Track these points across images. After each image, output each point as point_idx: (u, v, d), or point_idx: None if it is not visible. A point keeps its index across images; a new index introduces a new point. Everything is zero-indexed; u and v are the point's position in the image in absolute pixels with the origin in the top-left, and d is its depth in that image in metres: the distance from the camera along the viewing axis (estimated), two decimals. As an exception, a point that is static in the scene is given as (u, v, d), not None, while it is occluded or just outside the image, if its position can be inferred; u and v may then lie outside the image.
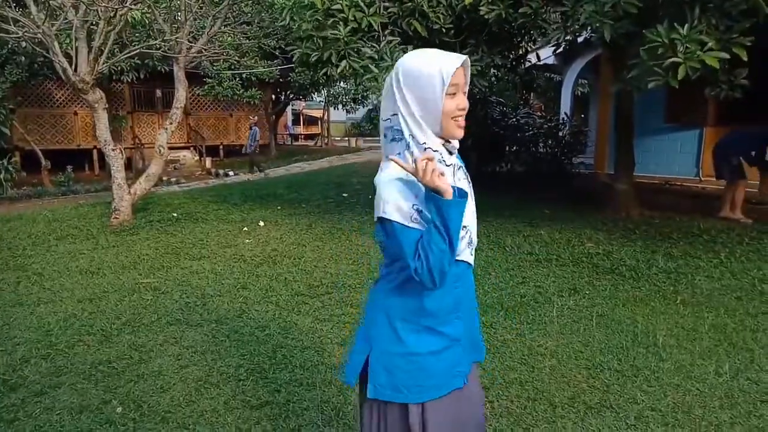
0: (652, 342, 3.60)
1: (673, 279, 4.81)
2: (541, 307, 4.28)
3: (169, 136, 8.21)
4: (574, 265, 5.32)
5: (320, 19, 5.10)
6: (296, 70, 16.30)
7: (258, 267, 5.60)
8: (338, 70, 5.09)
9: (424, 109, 1.47)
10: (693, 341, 3.60)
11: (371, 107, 31.29)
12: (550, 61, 11.04)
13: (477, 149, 9.97)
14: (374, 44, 5.20)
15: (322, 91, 21.68)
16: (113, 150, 7.68)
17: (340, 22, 5.14)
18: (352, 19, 5.13)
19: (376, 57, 5.13)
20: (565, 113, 10.83)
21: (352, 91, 20.70)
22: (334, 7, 5.16)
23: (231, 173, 16.10)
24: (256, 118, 17.00)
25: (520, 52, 8.52)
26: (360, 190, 10.50)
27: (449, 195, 1.42)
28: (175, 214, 8.23)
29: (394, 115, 1.51)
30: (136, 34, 11.13)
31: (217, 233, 7.08)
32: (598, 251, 5.68)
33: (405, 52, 5.21)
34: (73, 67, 7.00)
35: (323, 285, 4.97)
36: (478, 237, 1.68)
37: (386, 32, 5.34)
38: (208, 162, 18.29)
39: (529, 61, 8.93)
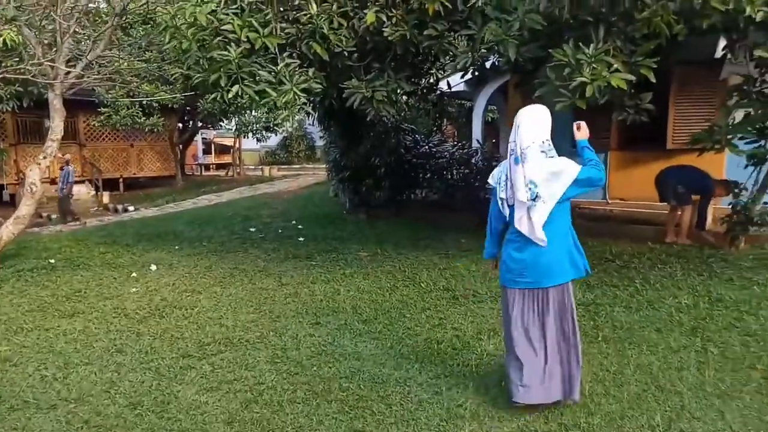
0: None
1: (593, 312, 4.59)
2: (460, 355, 3.88)
3: (42, 172, 7.22)
4: (492, 302, 5.01)
5: (207, 38, 4.55)
6: (206, 97, 15.45)
7: (141, 323, 4.84)
8: (229, 96, 4.55)
9: None
10: (620, 387, 3.32)
11: (286, 135, 30.64)
12: (461, 87, 11.04)
13: (390, 177, 9.66)
14: (272, 67, 4.71)
15: (232, 119, 20.82)
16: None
17: (232, 43, 4.62)
18: (245, 39, 4.62)
19: (274, 80, 4.65)
20: (477, 140, 10.81)
21: (263, 120, 19.97)
22: (224, 27, 4.63)
23: (131, 208, 14.84)
24: (68, 155, 13.61)
25: (431, 80, 8.35)
26: (269, 223, 9.84)
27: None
28: (52, 261, 7.20)
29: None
30: (14, 58, 9.97)
31: (98, 282, 6.19)
32: (516, 284, 5.42)
33: (306, 75, 4.76)
34: None
35: (216, 342, 4.32)
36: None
37: (284, 54, 4.87)
38: (105, 197, 16.83)
39: (440, 90, 8.78)
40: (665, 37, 4.33)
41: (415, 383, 3.48)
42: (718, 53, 6.79)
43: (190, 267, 6.77)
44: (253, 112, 18.79)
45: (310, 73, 4.66)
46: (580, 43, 4.18)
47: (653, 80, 4.41)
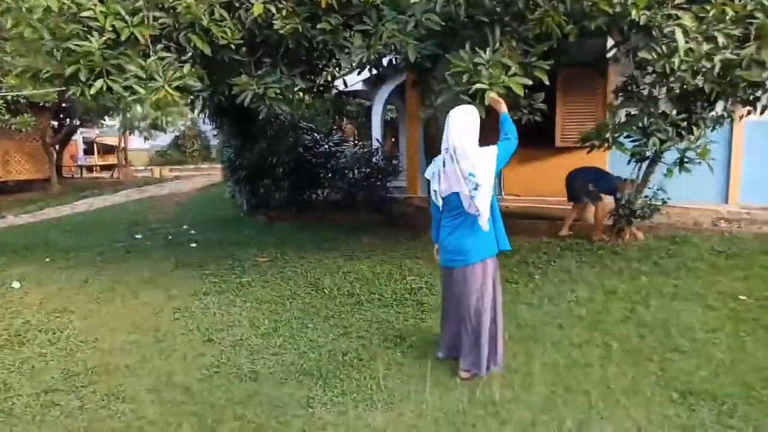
0: (489, 399, 3.17)
1: (497, 311, 4.56)
2: (367, 367, 3.65)
3: None
4: (398, 305, 4.84)
5: (62, 25, 3.93)
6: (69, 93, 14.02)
7: (-5, 353, 4.14)
8: (91, 91, 3.97)
9: None
10: (529, 389, 3.26)
11: (178, 134, 28.95)
12: (359, 86, 10.86)
13: (289, 177, 9.26)
14: (141, 61, 4.18)
15: (115, 117, 19.23)
16: None
17: (94, 32, 4.04)
18: (110, 29, 4.06)
19: (144, 76, 4.12)
20: (377, 138, 10.69)
21: (150, 117, 18.62)
22: (84, 14, 4.03)
23: (-5, 216, 13.17)
24: None
25: (328, 78, 8.06)
26: (158, 229, 9.06)
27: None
28: None
29: None
30: None
31: (-58, 306, 5.27)
32: (420, 285, 5.30)
33: (181, 71, 4.29)
34: None
35: (87, 371, 3.76)
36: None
37: (158, 47, 4.36)
38: (-37, 204, 14.82)
39: (337, 88, 8.53)
40: (557, 38, 4.38)
41: (320, 403, 3.20)
42: (609, 54, 7.17)
43: (62, 282, 5.98)
44: (140, 108, 17.45)
45: (186, 69, 4.19)
46: (476, 48, 4.12)
47: (547, 83, 4.46)
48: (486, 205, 3.22)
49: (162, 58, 4.24)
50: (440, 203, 3.43)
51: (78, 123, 19.60)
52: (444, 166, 3.31)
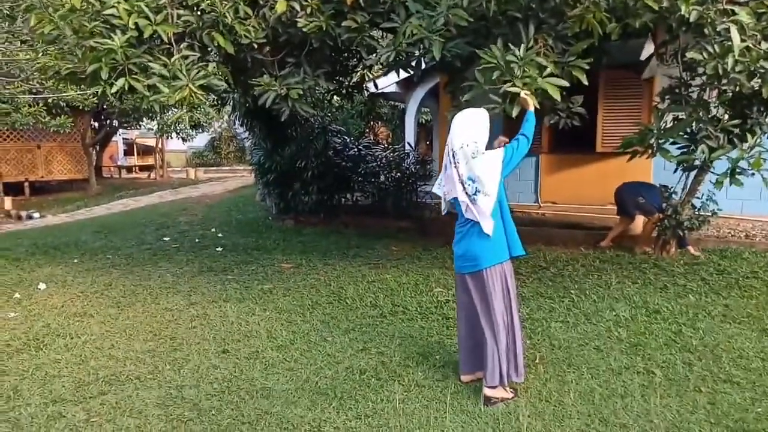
0: (516, 427, 2.89)
1: (529, 329, 4.26)
2: (385, 388, 3.42)
3: None
4: (422, 320, 4.59)
5: (85, 23, 3.85)
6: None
7: (11, 358, 4.07)
8: (113, 90, 3.87)
9: None
10: (561, 422, 2.96)
11: (214, 135, 29.36)
12: (393, 88, 10.66)
13: (318, 181, 9.10)
14: (165, 59, 4.07)
15: (154, 119, 19.54)
16: None
17: (117, 30, 3.94)
18: (133, 27, 3.96)
19: (168, 75, 4.01)
20: (409, 142, 10.47)
21: (187, 118, 18.83)
22: (106, 12, 3.95)
23: (36, 215, 13.50)
24: None
25: (356, 79, 7.88)
26: (186, 231, 9.04)
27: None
28: None
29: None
30: None
31: (-31, 307, 5.29)
32: (447, 298, 5.03)
33: (205, 70, 4.15)
34: None
35: (98, 380, 3.65)
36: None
37: (182, 45, 4.24)
38: (7, 202, 15.26)
39: (368, 89, 8.33)
40: (598, 36, 4.06)
41: (332, 427, 2.99)
42: (644, 55, 6.75)
43: (87, 284, 5.96)
44: (175, 110, 17.67)
45: (210, 68, 4.05)
46: (510, 44, 3.84)
47: (586, 83, 4.14)
48: (485, 212, 3.08)
49: (185, 57, 4.11)
50: (446, 207, 3.40)
51: (117, 125, 20.04)
52: (446, 170, 3.23)
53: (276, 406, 3.24)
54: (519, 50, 3.75)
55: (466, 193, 3.09)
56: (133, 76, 4.02)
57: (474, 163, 3.05)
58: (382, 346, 4.08)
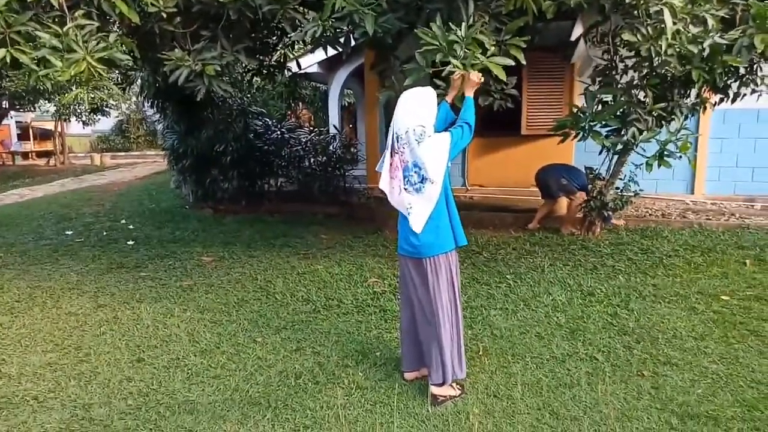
0: (466, 428, 2.73)
1: (469, 318, 4.12)
2: (323, 393, 3.14)
3: None
4: (359, 313, 4.34)
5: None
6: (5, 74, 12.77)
7: None
8: (-7, 62, 3.29)
9: None
10: (512, 418, 2.83)
11: (122, 118, 27.35)
12: (315, 69, 10.23)
13: (239, 166, 8.57)
14: (57, 28, 3.50)
15: (51, 100, 17.80)
16: None
17: (-10, -9, 3.33)
18: (14, -10, 3.36)
19: (60, 46, 3.45)
20: (334, 125, 10.11)
21: (87, 99, 17.30)
22: (-22, -31, 3.32)
23: None
24: None
25: (280, 58, 7.41)
26: (92, 223, 8.22)
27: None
28: None
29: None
30: None
31: None
32: (384, 289, 4.81)
33: (106, 41, 3.62)
34: None
35: (-16, 406, 3.12)
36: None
37: (77, 13, 3.67)
38: None
39: (290, 69, 7.88)
40: (532, 14, 3.93)
41: (267, 442, 2.69)
42: (573, 36, 6.78)
43: (-28, 289, 5.21)
44: (74, 90, 16.18)
45: (112, 39, 3.53)
46: (450, 23, 3.62)
47: (523, 62, 4.00)
48: (433, 200, 2.82)
49: (81, 27, 3.55)
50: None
51: (8, 106, 18.11)
52: (391, 155, 2.93)
53: (201, 423, 2.88)
54: (460, 29, 3.53)
55: (410, 182, 2.83)
56: (18, 47, 3.42)
57: (420, 149, 2.79)
58: (318, 344, 3.80)
